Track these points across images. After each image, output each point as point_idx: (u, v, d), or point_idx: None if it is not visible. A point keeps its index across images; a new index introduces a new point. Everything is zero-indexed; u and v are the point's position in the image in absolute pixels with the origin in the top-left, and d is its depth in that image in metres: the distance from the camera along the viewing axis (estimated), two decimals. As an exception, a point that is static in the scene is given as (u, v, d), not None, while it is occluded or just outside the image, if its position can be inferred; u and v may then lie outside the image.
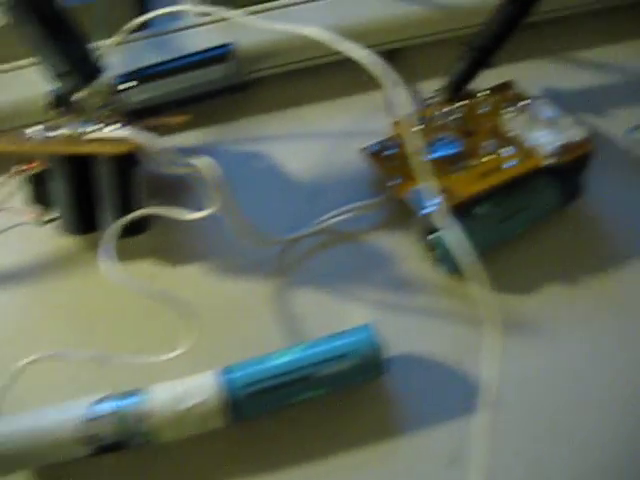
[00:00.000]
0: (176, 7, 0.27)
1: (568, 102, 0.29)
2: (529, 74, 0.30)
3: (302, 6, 0.30)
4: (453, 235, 0.23)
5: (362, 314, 0.24)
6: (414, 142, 0.23)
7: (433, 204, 0.24)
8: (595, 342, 0.23)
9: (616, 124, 0.29)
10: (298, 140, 0.29)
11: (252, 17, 0.27)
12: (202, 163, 0.24)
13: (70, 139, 0.24)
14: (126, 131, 0.23)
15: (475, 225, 0.24)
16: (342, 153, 0.28)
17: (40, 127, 0.26)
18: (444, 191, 0.24)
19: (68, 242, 0.27)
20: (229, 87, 0.23)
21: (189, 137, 0.29)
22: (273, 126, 0.30)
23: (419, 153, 0.25)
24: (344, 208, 0.27)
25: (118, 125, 0.24)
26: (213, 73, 0.23)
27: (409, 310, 0.25)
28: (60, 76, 0.24)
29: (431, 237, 0.24)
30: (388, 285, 0.25)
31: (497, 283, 0.24)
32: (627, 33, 0.32)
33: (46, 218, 0.26)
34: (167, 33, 0.29)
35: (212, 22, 0.29)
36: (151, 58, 0.28)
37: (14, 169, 0.25)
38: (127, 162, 0.24)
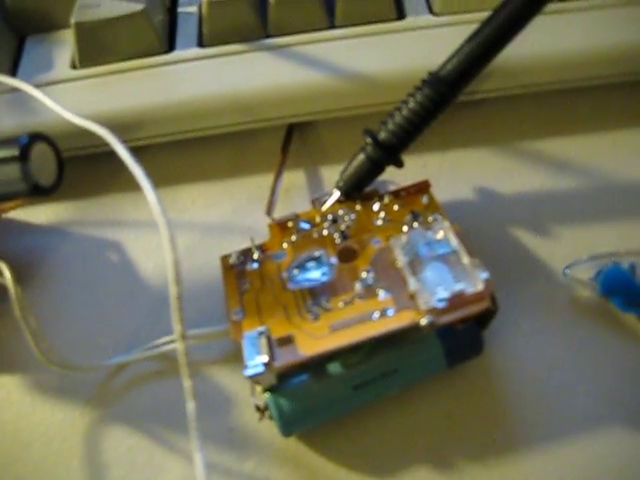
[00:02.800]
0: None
1: (502, 210, 0.23)
2: (462, 167, 0.24)
3: (191, 64, 0.25)
4: (286, 400, 0.18)
5: (176, 472, 0.20)
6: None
7: (260, 363, 0.18)
8: None
9: (557, 252, 0.22)
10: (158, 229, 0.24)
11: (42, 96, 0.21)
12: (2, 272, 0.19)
13: None
14: None
15: (322, 389, 0.19)
16: (208, 254, 0.23)
17: None
18: (286, 341, 0.19)
19: None
20: (19, 191, 0.18)
21: (40, 212, 0.25)
22: (142, 208, 0.25)
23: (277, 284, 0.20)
24: (190, 332, 0.21)
25: None
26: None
27: (234, 475, 0.20)
28: None
29: (263, 396, 0.19)
30: (218, 438, 0.20)
31: (351, 456, 0.19)
32: (599, 120, 0.25)
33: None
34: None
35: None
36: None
37: None
38: None
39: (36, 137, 0.19)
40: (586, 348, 0.21)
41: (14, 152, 0.18)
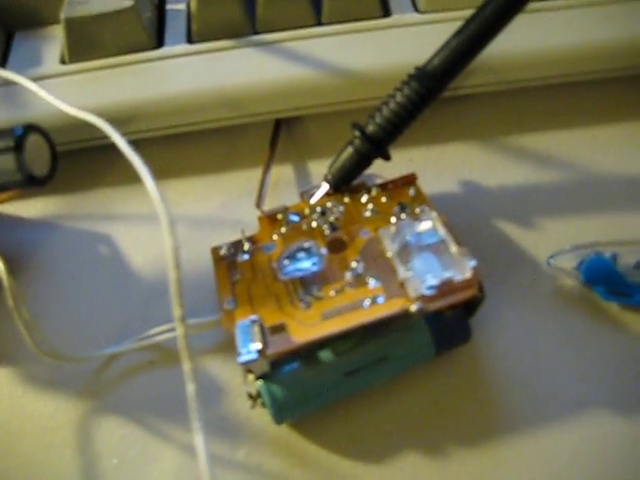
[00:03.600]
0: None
1: (487, 203, 0.23)
2: (448, 161, 0.24)
3: (180, 59, 0.25)
4: (278, 387, 0.19)
5: (169, 462, 0.20)
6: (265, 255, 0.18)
7: (254, 350, 0.18)
8: None
9: (541, 242, 0.23)
10: (154, 223, 0.24)
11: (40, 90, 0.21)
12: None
13: None
14: None
15: (313, 375, 0.19)
16: (199, 247, 0.23)
17: None
18: (279, 329, 0.19)
19: None
20: (14, 182, 0.19)
21: (31, 206, 0.25)
22: (132, 202, 0.25)
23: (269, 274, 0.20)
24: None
25: None
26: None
27: (226, 463, 0.20)
28: None
29: (255, 384, 0.19)
30: (210, 427, 0.20)
31: (341, 444, 0.19)
32: (580, 116, 0.25)
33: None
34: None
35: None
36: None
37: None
38: None
39: (30, 128, 0.19)
40: (569, 335, 0.21)
41: (9, 143, 0.18)
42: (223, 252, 0.22)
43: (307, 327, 0.19)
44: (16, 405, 0.21)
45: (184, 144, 0.26)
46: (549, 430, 0.20)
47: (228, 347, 0.21)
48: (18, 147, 0.18)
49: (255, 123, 0.25)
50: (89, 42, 0.25)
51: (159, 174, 0.25)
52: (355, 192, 0.23)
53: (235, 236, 0.22)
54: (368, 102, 0.24)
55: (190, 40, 0.25)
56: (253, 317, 0.20)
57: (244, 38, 0.25)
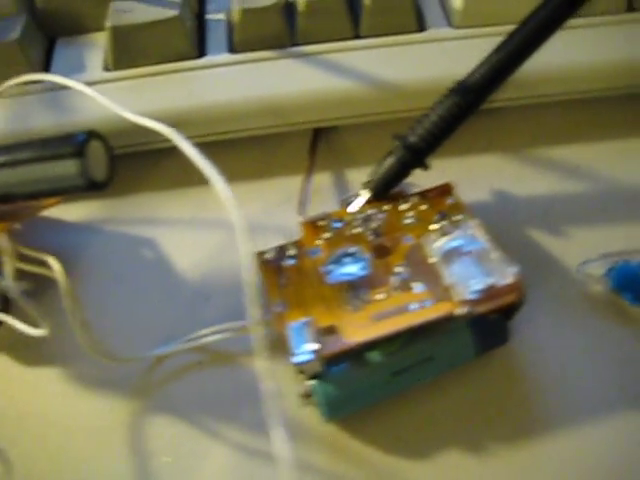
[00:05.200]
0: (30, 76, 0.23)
1: (517, 212, 0.24)
2: (479, 172, 0.25)
3: (222, 69, 0.26)
4: (331, 387, 0.19)
5: (221, 459, 0.21)
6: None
7: (309, 351, 0.19)
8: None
9: (570, 250, 0.24)
10: (195, 227, 0.25)
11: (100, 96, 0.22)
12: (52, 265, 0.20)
13: None
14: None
15: (363, 375, 0.20)
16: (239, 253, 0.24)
17: None
18: (331, 331, 0.20)
19: None
20: (76, 187, 0.19)
21: (75, 210, 0.25)
22: (173, 207, 0.26)
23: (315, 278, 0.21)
24: (229, 325, 0.22)
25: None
26: (51, 170, 0.19)
27: (276, 460, 0.21)
28: None
29: (307, 383, 0.20)
30: (260, 426, 0.21)
31: (386, 441, 0.20)
32: (607, 129, 0.27)
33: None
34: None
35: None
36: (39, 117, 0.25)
37: None
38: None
39: (92, 134, 0.19)
40: (599, 339, 0.22)
41: (72, 149, 0.19)
42: (268, 256, 0.23)
43: (358, 329, 0.20)
44: (69, 404, 0.22)
45: (225, 151, 0.26)
46: (581, 428, 0.21)
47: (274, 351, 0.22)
48: (81, 153, 0.19)
49: (294, 132, 0.26)
50: (134, 50, 0.25)
51: (200, 180, 0.26)
52: (394, 200, 0.24)
53: (277, 241, 0.23)
54: (404, 113, 0.25)
55: (232, 50, 0.26)
56: (305, 319, 0.20)
57: (284, 49, 0.26)
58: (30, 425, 0.21)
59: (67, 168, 0.19)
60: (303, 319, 0.20)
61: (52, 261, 0.20)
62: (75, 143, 0.19)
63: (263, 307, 0.22)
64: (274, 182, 0.26)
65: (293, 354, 0.19)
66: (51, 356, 0.22)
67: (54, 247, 0.24)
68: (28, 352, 0.23)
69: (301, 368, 0.20)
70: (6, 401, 0.22)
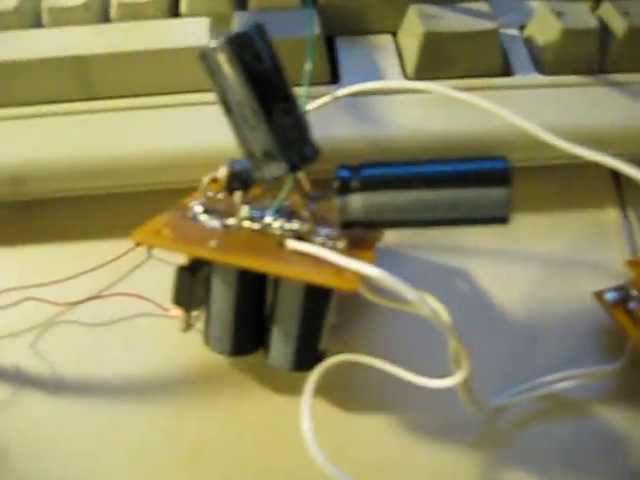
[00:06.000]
0: (388, 82, 0.21)
1: None
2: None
3: (531, 91, 0.24)
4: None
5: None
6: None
7: None
8: None
9: None
10: (507, 260, 0.23)
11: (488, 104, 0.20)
12: (430, 304, 0.17)
13: (265, 247, 0.18)
14: (355, 263, 0.16)
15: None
16: (560, 287, 0.22)
17: (199, 202, 0.20)
18: None
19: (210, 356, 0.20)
20: (493, 218, 0.17)
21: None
22: (480, 236, 0.24)
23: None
24: (575, 371, 0.20)
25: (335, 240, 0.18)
26: (477, 197, 0.17)
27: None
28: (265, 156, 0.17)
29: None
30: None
31: None
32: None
33: (188, 323, 0.20)
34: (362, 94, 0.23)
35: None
36: (343, 128, 0.22)
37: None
38: (325, 293, 0.18)
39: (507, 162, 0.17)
40: None
41: (499, 176, 0.17)
42: (609, 297, 0.21)
43: None
44: (409, 455, 0.19)
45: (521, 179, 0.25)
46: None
47: (619, 396, 0.21)
48: (507, 181, 0.17)
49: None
50: (443, 59, 0.23)
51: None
52: None
53: (592, 279, 0.22)
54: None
55: (540, 70, 0.24)
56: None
57: (593, 75, 0.24)
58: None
59: (496, 197, 0.17)
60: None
61: (430, 299, 0.18)
62: (500, 170, 0.17)
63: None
64: (572, 214, 0.24)
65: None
66: (372, 403, 0.20)
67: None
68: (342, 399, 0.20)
69: None
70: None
